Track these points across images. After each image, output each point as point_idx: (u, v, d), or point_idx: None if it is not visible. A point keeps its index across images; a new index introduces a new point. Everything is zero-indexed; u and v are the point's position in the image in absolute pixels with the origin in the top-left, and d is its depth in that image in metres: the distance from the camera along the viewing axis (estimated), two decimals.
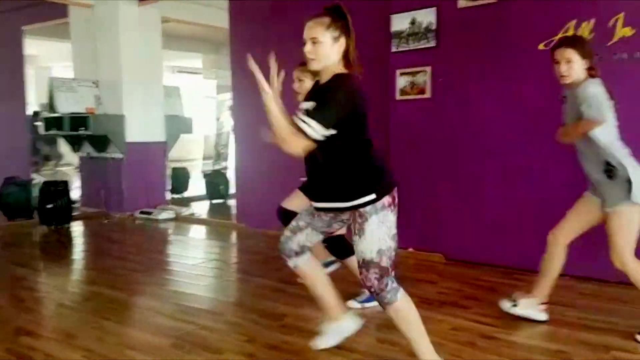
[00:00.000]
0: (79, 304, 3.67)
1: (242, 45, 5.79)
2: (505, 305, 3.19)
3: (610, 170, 2.80)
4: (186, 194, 8.46)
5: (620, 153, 2.81)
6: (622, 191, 2.77)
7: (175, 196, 8.13)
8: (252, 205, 5.96)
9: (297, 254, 2.62)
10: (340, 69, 2.34)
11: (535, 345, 2.85)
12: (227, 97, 15.91)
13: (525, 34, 4.04)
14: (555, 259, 3.05)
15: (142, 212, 6.87)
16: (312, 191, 2.52)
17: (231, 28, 6.07)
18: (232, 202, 8.12)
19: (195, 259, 4.83)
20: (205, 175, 8.47)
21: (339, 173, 2.35)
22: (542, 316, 3.12)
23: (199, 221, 6.84)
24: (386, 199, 2.32)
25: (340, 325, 2.76)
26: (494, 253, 4.31)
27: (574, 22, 3.83)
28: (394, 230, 2.35)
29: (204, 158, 12.56)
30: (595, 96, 2.73)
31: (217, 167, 10.26)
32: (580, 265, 3.56)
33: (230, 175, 8.12)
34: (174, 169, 8.41)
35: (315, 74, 2.48)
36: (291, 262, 2.64)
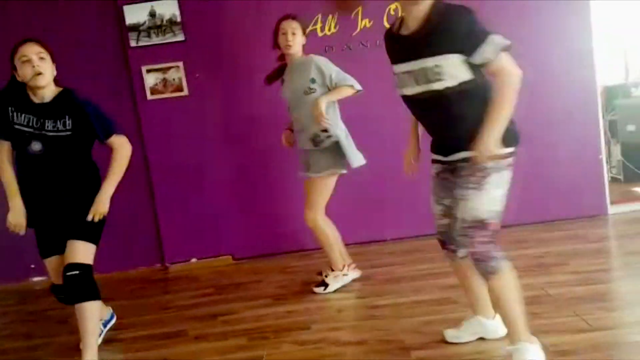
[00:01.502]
0: None
1: None
2: (319, 290, 3.38)
3: (318, 138, 3.24)
4: None
5: (338, 127, 3.31)
6: (329, 160, 3.26)
7: None
8: None
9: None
10: None
11: (402, 302, 3.11)
12: None
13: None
14: (328, 231, 3.36)
15: None
16: (442, 146, 2.18)
17: None
18: None
19: None
20: None
21: (474, 118, 2.05)
22: (356, 273, 3.50)
23: None
24: (512, 158, 2.14)
25: (484, 323, 2.48)
26: (277, 242, 4.41)
27: (319, 15, 4.21)
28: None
29: None
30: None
31: None
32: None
33: None
34: None
35: None
36: (461, 252, 2.25)
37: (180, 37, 4.16)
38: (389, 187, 4.22)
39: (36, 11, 4.12)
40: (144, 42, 4.15)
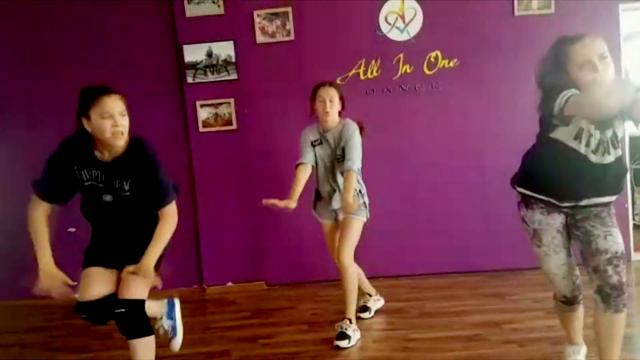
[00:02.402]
0: None
1: None
2: (365, 315, 3.65)
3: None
4: None
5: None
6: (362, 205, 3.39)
7: None
8: None
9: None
10: None
11: (436, 336, 3.28)
12: None
13: (322, 69, 4.46)
14: (356, 277, 3.43)
15: None
16: (575, 189, 2.32)
17: None
18: None
19: None
20: None
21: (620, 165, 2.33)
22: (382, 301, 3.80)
23: None
24: None
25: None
26: (307, 272, 4.62)
27: (363, 59, 4.49)
28: None
29: None
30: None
31: None
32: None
33: None
34: None
35: None
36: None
37: (233, 76, 4.47)
38: (420, 223, 4.48)
39: (103, 50, 4.47)
40: (200, 79, 4.47)
